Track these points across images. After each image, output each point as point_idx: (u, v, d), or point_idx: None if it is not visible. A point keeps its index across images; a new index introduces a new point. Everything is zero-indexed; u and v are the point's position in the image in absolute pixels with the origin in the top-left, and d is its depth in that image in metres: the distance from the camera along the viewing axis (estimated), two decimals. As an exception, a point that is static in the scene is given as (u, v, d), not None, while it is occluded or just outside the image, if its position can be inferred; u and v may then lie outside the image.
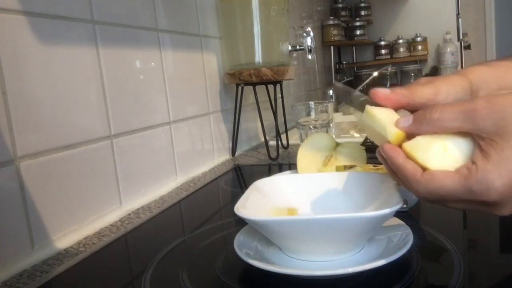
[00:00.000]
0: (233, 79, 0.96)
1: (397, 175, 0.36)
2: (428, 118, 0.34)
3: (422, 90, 0.37)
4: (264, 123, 0.99)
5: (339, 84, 0.43)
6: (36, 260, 0.50)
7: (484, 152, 0.32)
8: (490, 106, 0.31)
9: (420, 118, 0.35)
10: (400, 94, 0.37)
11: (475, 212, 0.34)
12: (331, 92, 1.74)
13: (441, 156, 0.33)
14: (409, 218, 0.52)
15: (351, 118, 1.44)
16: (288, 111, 1.09)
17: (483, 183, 0.31)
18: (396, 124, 0.36)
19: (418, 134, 0.35)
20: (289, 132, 1.12)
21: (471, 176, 0.31)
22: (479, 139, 0.32)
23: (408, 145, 0.35)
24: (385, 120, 0.36)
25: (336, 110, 1.58)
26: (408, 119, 0.36)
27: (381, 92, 0.37)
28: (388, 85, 2.24)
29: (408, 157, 0.35)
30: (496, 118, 0.31)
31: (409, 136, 0.36)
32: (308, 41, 1.02)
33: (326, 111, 1.00)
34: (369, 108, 0.37)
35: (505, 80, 0.40)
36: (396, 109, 0.38)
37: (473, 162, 0.32)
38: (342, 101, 0.46)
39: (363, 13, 2.46)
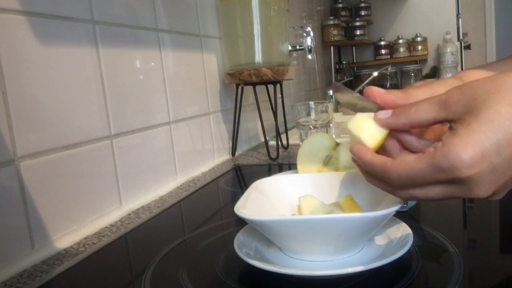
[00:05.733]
0: (233, 79, 0.96)
1: (373, 177, 0.36)
2: (406, 111, 0.34)
3: (418, 92, 0.37)
4: (264, 123, 0.99)
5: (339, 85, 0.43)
6: (36, 260, 0.50)
7: (452, 130, 0.31)
8: (461, 92, 0.31)
9: (398, 112, 0.35)
10: (394, 94, 0.37)
11: (474, 211, 0.34)
12: (331, 92, 1.74)
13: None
14: (409, 218, 0.52)
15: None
16: (288, 111, 1.09)
17: (450, 157, 0.30)
18: (375, 116, 0.36)
19: (396, 128, 0.36)
20: (289, 132, 1.12)
21: (437, 152, 0.31)
22: (451, 122, 0.32)
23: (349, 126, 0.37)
24: (362, 125, 0.37)
25: (336, 110, 1.58)
26: (387, 111, 0.36)
27: (375, 90, 0.37)
28: (388, 85, 2.24)
29: (353, 138, 0.37)
30: (466, 99, 0.31)
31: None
32: (308, 41, 1.02)
33: (326, 111, 1.00)
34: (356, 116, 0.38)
35: None
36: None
37: (440, 140, 0.31)
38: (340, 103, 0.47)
39: (363, 13, 2.46)
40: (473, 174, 0.30)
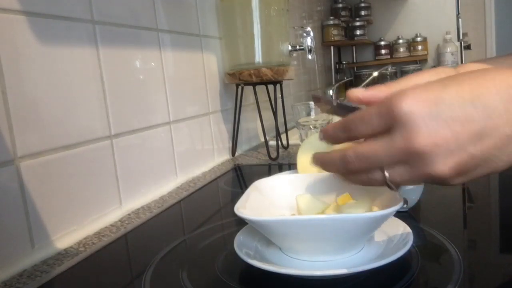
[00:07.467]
0: (233, 79, 0.96)
1: (348, 176, 0.36)
2: (349, 128, 0.34)
3: (400, 86, 0.35)
4: (264, 123, 0.99)
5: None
6: (36, 260, 0.50)
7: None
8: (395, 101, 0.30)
9: (343, 126, 0.34)
10: (376, 88, 0.36)
11: (474, 211, 0.34)
12: (331, 92, 1.74)
13: None
14: (409, 218, 0.52)
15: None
16: (288, 111, 1.09)
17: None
18: (323, 130, 0.36)
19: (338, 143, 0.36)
20: (289, 132, 1.12)
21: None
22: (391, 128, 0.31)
23: None
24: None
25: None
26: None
27: (355, 91, 0.36)
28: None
29: None
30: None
31: None
32: (308, 41, 1.02)
33: (326, 111, 1.00)
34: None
35: None
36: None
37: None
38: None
39: (363, 13, 2.46)
40: (410, 113, 0.29)
